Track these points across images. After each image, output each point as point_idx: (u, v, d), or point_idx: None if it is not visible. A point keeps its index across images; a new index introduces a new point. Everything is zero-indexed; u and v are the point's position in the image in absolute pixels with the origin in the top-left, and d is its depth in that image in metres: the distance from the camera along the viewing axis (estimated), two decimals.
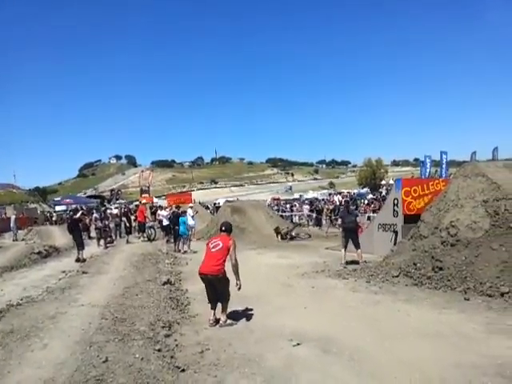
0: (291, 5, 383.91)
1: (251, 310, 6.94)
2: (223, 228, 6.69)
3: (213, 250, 6.30)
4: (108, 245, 17.91)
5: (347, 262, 10.70)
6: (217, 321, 6.24)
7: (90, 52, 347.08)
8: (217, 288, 6.24)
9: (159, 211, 21.46)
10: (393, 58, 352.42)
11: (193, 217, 18.87)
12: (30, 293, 8.70)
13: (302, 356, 4.81)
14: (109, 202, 53.21)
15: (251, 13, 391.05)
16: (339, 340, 5.25)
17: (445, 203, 8.95)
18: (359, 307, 6.85)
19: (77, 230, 14.45)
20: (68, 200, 52.03)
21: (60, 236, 22.66)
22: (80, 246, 14.01)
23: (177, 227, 15.74)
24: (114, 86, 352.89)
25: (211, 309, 6.35)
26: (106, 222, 19.81)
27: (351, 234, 11.10)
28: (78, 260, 13.47)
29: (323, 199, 36.14)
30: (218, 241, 6.40)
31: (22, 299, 8.04)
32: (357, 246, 10.98)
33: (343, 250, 11.06)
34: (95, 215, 19.95)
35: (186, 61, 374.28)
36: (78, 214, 15.14)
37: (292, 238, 18.63)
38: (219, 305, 6.35)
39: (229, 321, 6.25)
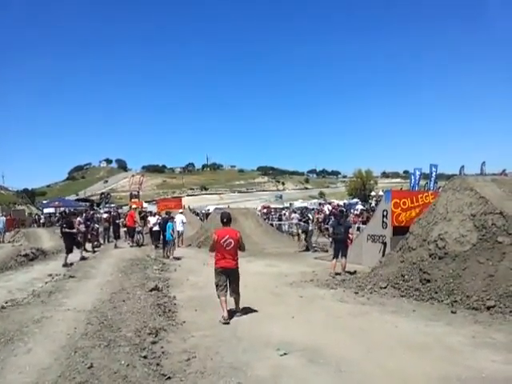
0: (283, 11, 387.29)
1: (239, 318, 6.93)
2: (225, 220, 7.31)
3: (227, 248, 7.02)
4: (95, 249, 17.76)
5: (337, 273, 10.71)
6: (231, 314, 6.92)
7: (82, 54, 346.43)
8: (233, 279, 7.09)
9: (149, 217, 21.32)
10: (385, 70, 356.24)
11: (184, 223, 18.85)
12: (16, 296, 8.59)
13: (289, 366, 4.80)
14: (98, 205, 52.75)
15: (247, 17, 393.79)
16: (326, 350, 5.25)
17: (433, 216, 9.03)
18: (347, 318, 6.86)
19: (68, 233, 14.19)
20: (57, 203, 51.49)
21: (47, 239, 22.46)
22: (69, 248, 13.82)
23: (165, 233, 15.69)
24: (106, 90, 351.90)
25: (222, 305, 6.89)
26: (96, 226, 19.64)
27: (340, 244, 11.13)
28: (65, 265, 13.22)
29: (313, 209, 36.19)
30: (228, 238, 7.04)
31: (6, 302, 7.93)
32: (343, 255, 11.00)
33: (334, 260, 11.08)
34: (79, 219, 19.61)
35: (179, 66, 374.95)
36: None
37: (307, 249, 17.25)
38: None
39: (239, 313, 7.09)
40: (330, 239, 20.12)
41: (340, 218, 12.00)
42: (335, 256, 11.07)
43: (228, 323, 6.66)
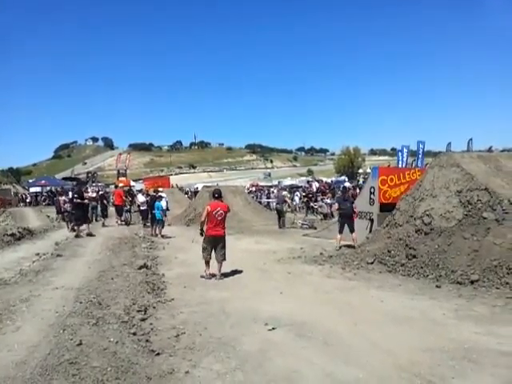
0: None
1: (227, 294, 6.99)
2: (216, 195, 8.54)
3: (218, 218, 8.18)
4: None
5: (340, 247, 10.96)
6: (212, 275, 8.20)
7: (67, 33, 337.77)
8: (221, 244, 8.28)
9: (138, 195, 21.15)
10: (373, 48, 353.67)
11: (167, 201, 18.63)
12: (3, 275, 8.52)
13: (277, 340, 4.87)
14: (85, 184, 52.21)
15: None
16: (314, 325, 5.33)
17: (420, 192, 9.11)
18: (334, 293, 6.96)
19: (80, 204, 15.06)
20: (43, 181, 50.97)
21: (34, 218, 22.24)
22: (80, 220, 14.91)
23: (154, 211, 15.61)
24: (92, 67, 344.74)
25: (207, 265, 8.30)
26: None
27: (347, 219, 11.42)
28: (77, 235, 14.31)
29: (301, 186, 36.27)
30: (220, 210, 8.23)
31: None
32: (352, 230, 11.30)
33: (339, 235, 11.35)
34: (64, 198, 19.35)
35: (166, 44, 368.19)
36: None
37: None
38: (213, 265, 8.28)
39: (221, 277, 8.16)
40: (320, 216, 20.48)
41: (344, 194, 12.12)
42: (340, 231, 11.37)
43: (210, 279, 8.10)
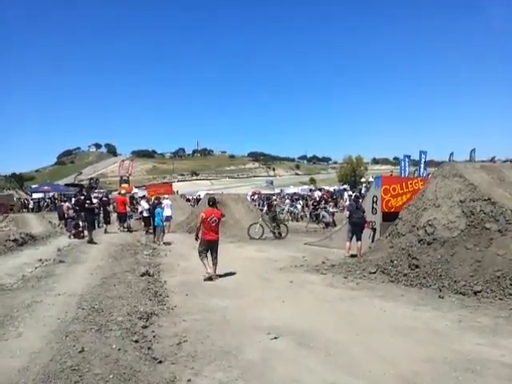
0: None
1: (229, 302, 6.98)
2: (211, 203, 9.29)
3: (212, 224, 8.89)
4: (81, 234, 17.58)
5: (352, 255, 10.89)
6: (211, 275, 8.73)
7: (70, 39, 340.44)
8: (215, 248, 8.97)
9: (142, 201, 21.16)
10: (375, 57, 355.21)
11: (171, 206, 18.63)
12: (5, 281, 8.53)
13: (279, 349, 4.86)
14: (92, 189, 52.29)
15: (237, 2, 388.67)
16: (316, 334, 5.32)
17: (423, 202, 9.10)
18: (336, 302, 6.94)
19: (88, 210, 15.23)
20: (46, 187, 51.05)
21: (37, 224, 22.27)
22: (91, 225, 15.21)
23: (155, 218, 15.61)
24: (95, 74, 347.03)
25: (205, 265, 8.83)
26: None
27: (358, 228, 11.34)
28: (90, 241, 14.49)
29: (303, 194, 36.32)
30: (214, 217, 8.92)
31: None
32: (359, 238, 11.23)
33: (348, 243, 11.27)
34: (67, 204, 19.36)
35: (170, 51, 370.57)
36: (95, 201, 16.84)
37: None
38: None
39: (217, 277, 8.78)
40: (322, 225, 20.47)
41: (357, 203, 12.05)
42: (350, 239, 11.30)
43: (211, 279, 8.63)
